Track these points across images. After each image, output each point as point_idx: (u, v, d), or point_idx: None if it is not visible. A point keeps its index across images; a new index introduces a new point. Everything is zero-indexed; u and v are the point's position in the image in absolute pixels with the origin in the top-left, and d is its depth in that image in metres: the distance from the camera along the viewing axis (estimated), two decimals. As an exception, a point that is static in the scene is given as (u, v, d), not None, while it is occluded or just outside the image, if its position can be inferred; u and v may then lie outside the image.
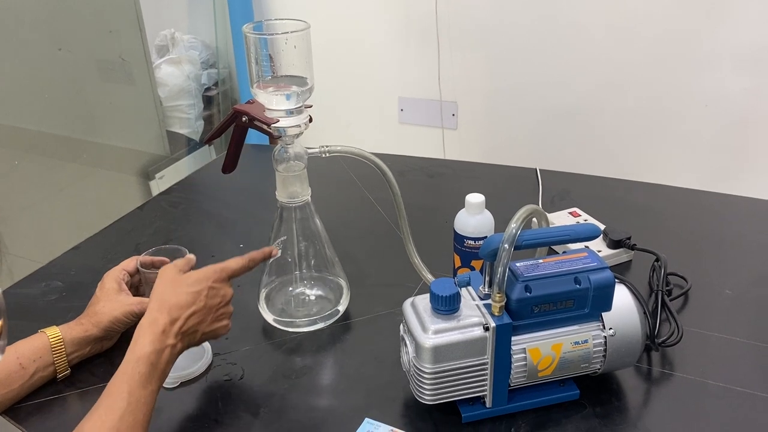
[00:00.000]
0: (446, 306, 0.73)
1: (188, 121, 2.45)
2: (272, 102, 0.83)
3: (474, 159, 1.48)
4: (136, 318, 0.86)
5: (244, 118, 0.84)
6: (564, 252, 0.81)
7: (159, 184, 2.26)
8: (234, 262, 0.82)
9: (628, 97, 2.03)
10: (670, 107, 2.00)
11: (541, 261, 0.77)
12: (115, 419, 0.66)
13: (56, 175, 2.01)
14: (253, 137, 0.91)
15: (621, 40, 1.97)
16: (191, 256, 0.84)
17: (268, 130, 0.84)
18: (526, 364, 0.75)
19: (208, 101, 2.53)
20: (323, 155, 0.86)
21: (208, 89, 2.53)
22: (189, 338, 0.76)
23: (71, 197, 2.04)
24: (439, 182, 1.37)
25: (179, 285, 0.77)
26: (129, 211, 1.30)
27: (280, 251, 0.91)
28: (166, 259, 0.89)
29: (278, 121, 0.83)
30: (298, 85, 0.83)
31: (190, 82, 2.41)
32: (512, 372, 0.75)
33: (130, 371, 0.69)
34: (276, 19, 0.83)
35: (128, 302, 0.87)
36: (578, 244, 0.89)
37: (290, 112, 0.83)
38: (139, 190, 2.28)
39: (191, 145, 2.48)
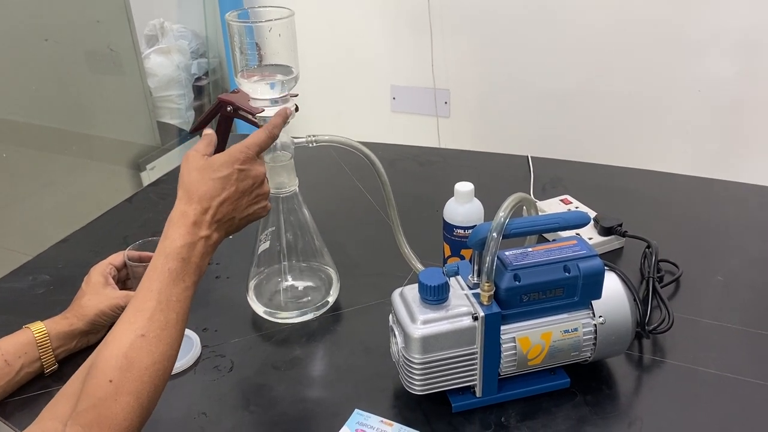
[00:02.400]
0: (434, 296, 0.73)
1: (179, 112, 2.43)
2: (256, 91, 0.82)
3: (467, 147, 1.48)
4: (121, 311, 0.85)
5: (228, 108, 0.83)
6: (554, 240, 0.80)
7: (150, 175, 2.25)
8: (257, 136, 0.75)
9: (620, 84, 2.02)
10: (662, 93, 1.99)
11: (530, 249, 0.76)
12: (143, 320, 0.61)
13: (46, 168, 1.99)
14: (246, 127, 0.90)
15: (613, 26, 1.96)
16: (210, 132, 0.75)
17: (254, 119, 0.82)
18: (515, 353, 0.74)
19: (198, 91, 2.51)
20: (310, 145, 0.85)
21: (198, 79, 2.51)
22: (226, 226, 0.72)
23: (61, 190, 2.03)
24: (430, 171, 1.36)
25: (205, 172, 0.70)
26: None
27: (294, 109, 0.83)
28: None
29: (263, 110, 0.82)
30: (283, 74, 0.81)
31: (180, 72, 2.39)
32: (502, 361, 0.75)
33: (160, 268, 0.65)
34: (260, 7, 0.81)
35: (114, 296, 0.86)
36: (569, 231, 0.88)
37: (275, 102, 0.82)
38: (130, 182, 2.26)
39: (182, 136, 2.46)
